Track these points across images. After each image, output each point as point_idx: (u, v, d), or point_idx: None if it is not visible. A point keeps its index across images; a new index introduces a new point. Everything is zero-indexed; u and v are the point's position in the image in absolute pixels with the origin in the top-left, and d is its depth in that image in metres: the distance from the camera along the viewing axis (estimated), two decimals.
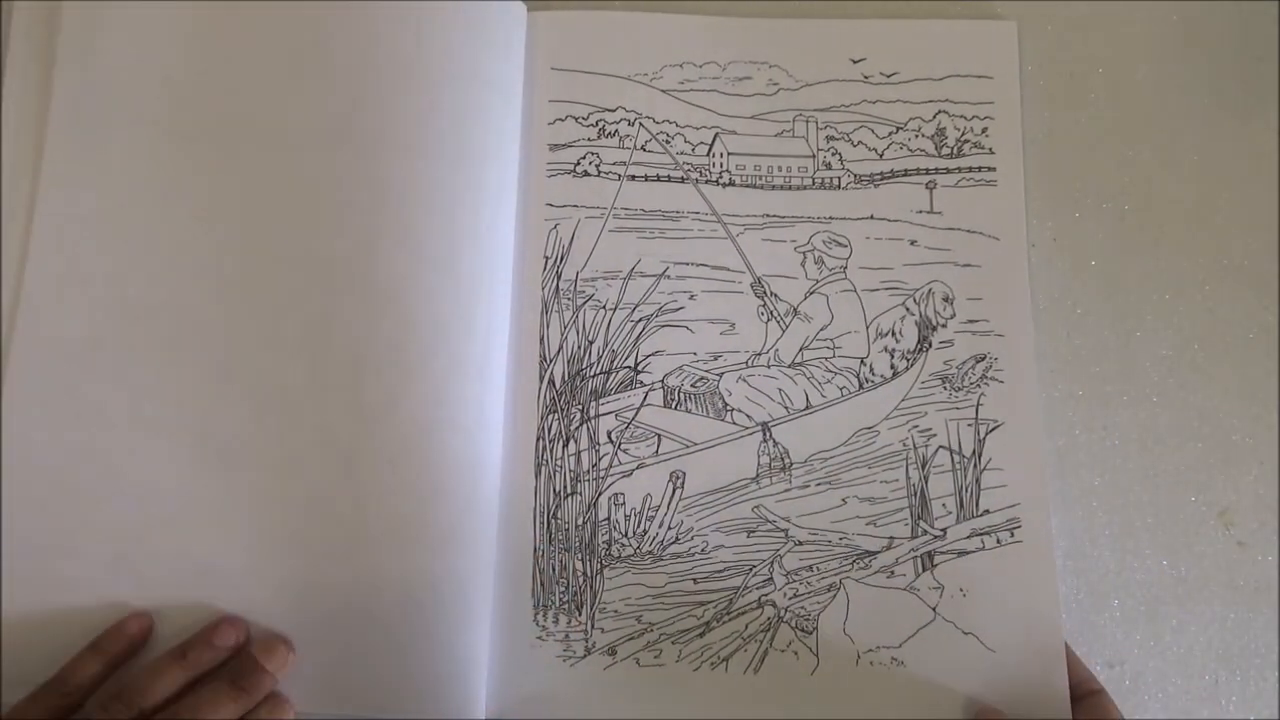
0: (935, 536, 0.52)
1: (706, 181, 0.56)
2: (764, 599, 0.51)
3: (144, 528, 0.48)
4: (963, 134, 0.57)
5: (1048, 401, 0.54)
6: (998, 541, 0.51)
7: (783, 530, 0.52)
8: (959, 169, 0.56)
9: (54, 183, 0.51)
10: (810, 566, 0.51)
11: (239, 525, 0.48)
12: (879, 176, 0.56)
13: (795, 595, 0.51)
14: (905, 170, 0.56)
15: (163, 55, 0.52)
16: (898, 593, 0.51)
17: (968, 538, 0.52)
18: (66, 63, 0.51)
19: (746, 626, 0.51)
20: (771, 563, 0.52)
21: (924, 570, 0.51)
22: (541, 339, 0.54)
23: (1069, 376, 0.55)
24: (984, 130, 0.57)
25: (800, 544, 0.52)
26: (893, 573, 0.51)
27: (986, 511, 0.52)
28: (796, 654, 0.50)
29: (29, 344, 0.49)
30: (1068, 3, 0.59)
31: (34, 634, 0.47)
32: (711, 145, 0.57)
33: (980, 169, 0.56)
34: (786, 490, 0.52)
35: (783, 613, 0.51)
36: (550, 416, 0.53)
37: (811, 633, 0.51)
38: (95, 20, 0.52)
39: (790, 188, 0.56)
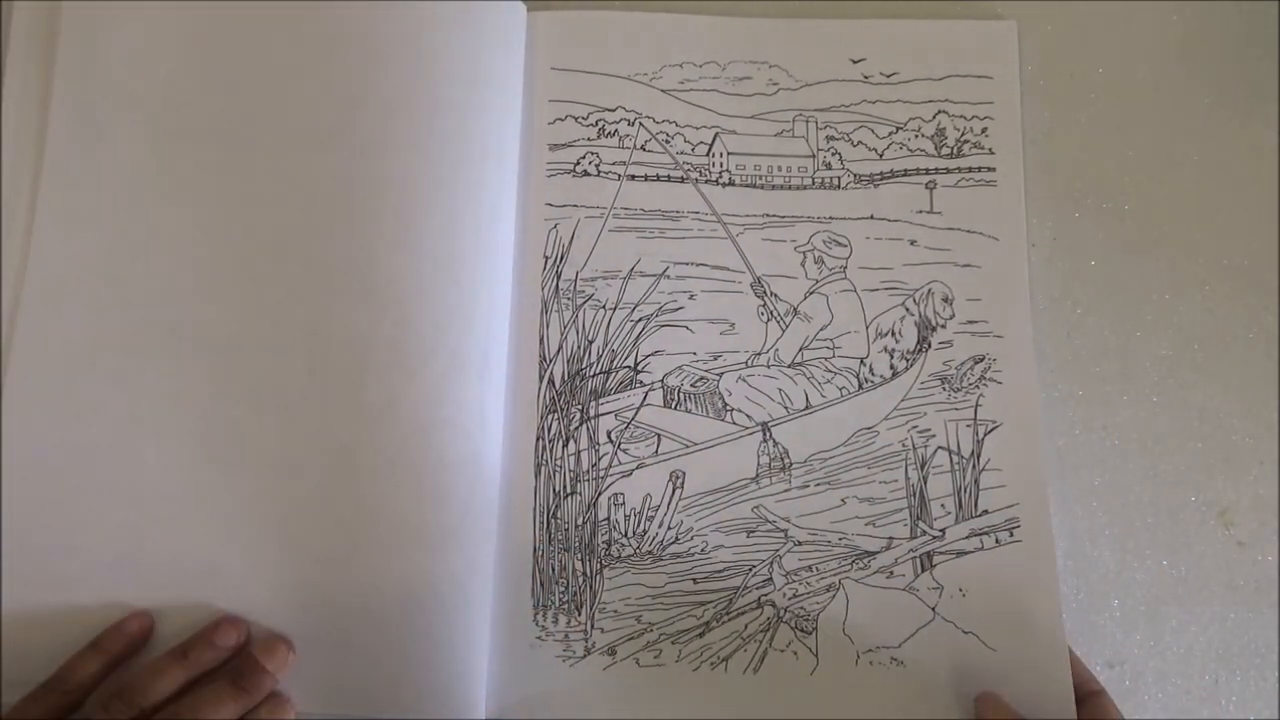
0: (934, 537, 0.52)
1: (706, 181, 0.56)
2: (764, 599, 0.51)
3: (144, 528, 0.48)
4: (963, 134, 0.57)
5: (1048, 401, 0.54)
6: (996, 542, 0.51)
7: (782, 530, 0.52)
8: (959, 169, 0.56)
9: (54, 183, 0.51)
10: (810, 566, 0.51)
11: (239, 525, 0.48)
12: (879, 176, 0.56)
13: (795, 595, 0.51)
14: (905, 170, 0.56)
15: (163, 55, 0.52)
16: (897, 593, 0.51)
17: (966, 538, 0.52)
18: (66, 63, 0.51)
19: (746, 626, 0.51)
20: (771, 563, 0.52)
21: (923, 570, 0.51)
22: (541, 339, 0.54)
23: (1069, 376, 0.55)
24: (984, 130, 0.57)
25: (800, 544, 0.52)
26: (892, 573, 0.51)
27: (985, 512, 0.52)
28: (796, 654, 0.50)
29: (29, 344, 0.49)
30: (1068, 3, 0.59)
31: (34, 634, 0.47)
32: (711, 145, 0.57)
33: (980, 169, 0.56)
34: (786, 490, 0.52)
35: (782, 613, 0.51)
36: (550, 416, 0.53)
37: (811, 633, 0.51)
38: (95, 20, 0.52)
39: (790, 188, 0.56)
